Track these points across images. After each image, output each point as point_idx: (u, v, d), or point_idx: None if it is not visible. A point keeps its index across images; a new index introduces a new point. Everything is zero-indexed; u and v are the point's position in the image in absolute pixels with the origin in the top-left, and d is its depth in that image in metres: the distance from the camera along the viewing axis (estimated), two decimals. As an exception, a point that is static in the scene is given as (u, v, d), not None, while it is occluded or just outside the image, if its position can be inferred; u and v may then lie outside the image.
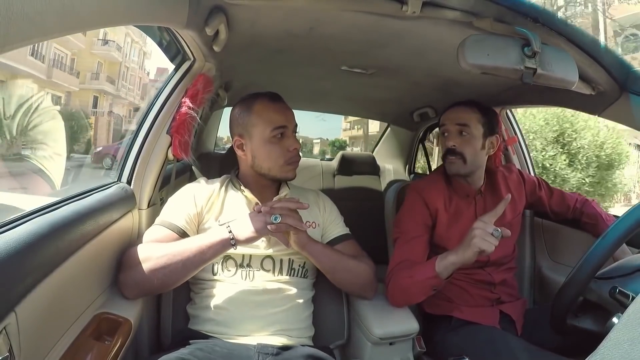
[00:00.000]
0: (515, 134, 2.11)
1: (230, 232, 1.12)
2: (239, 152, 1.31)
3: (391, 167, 3.17)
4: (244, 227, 1.12)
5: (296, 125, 1.32)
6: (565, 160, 7.00)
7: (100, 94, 23.89)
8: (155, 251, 1.13)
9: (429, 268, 1.24)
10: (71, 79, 21.50)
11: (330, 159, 3.26)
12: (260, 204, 1.18)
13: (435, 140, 3.44)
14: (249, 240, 1.12)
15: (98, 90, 23.79)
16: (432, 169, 3.21)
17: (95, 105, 23.69)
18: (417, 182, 1.61)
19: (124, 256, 1.17)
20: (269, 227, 1.11)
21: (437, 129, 3.09)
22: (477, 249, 1.12)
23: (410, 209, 1.50)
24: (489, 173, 1.58)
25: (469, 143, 1.45)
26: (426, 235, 1.46)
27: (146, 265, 1.10)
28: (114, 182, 1.29)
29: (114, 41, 24.59)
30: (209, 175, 1.47)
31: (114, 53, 24.54)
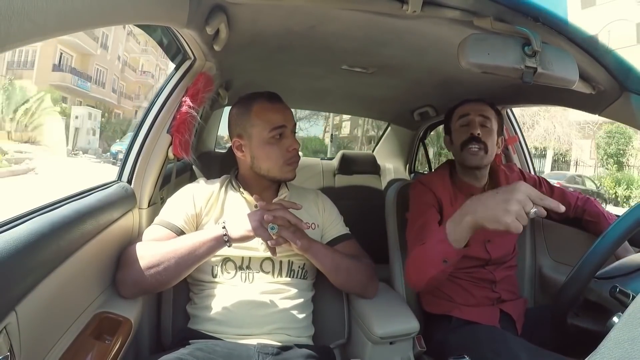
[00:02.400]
0: (516, 132, 2.11)
1: (224, 228, 1.11)
2: (238, 154, 1.30)
3: (391, 166, 3.18)
4: (239, 225, 1.11)
5: (295, 124, 1.31)
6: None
7: (138, 108, 32.39)
8: (149, 249, 1.13)
9: (439, 230, 1.15)
10: (128, 101, 32.44)
11: (331, 159, 3.27)
12: (261, 200, 1.18)
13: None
14: (242, 239, 1.11)
15: (137, 107, 32.69)
16: (432, 169, 3.24)
17: (135, 116, 31.37)
18: (423, 177, 1.61)
19: (121, 255, 1.18)
20: (269, 242, 1.10)
21: (436, 128, 3.10)
22: (504, 224, 0.96)
23: (421, 197, 1.50)
24: (491, 172, 1.58)
25: (490, 135, 1.47)
26: (439, 217, 1.44)
27: (141, 263, 1.11)
28: (114, 181, 1.29)
29: (149, 71, 34.84)
30: (210, 174, 1.46)
31: (149, 80, 34.71)
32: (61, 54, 23.99)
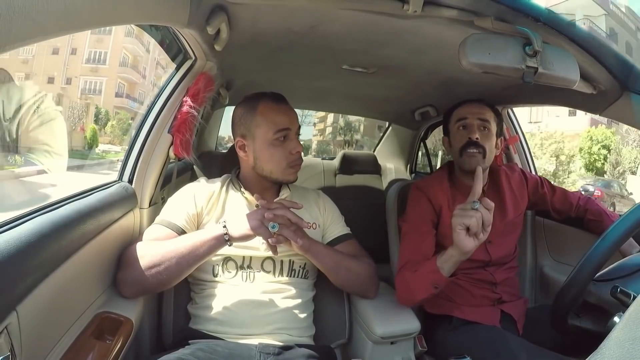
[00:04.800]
0: (517, 132, 2.10)
1: (224, 227, 1.11)
2: (240, 154, 1.30)
3: (392, 166, 3.17)
4: (239, 224, 1.11)
5: (299, 127, 1.31)
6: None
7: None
8: (150, 249, 1.13)
9: (431, 261, 1.24)
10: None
11: (332, 158, 3.27)
12: (262, 199, 1.17)
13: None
14: (243, 238, 1.11)
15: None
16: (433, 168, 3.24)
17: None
18: (421, 181, 1.60)
19: (122, 255, 1.18)
20: (269, 240, 1.10)
21: (437, 128, 3.10)
22: (461, 227, 1.10)
23: (416, 205, 1.50)
24: (491, 172, 1.58)
25: (489, 139, 1.45)
26: (434, 231, 1.46)
27: (141, 263, 1.10)
28: (115, 181, 1.29)
29: (168, 87, 42.49)
30: (211, 174, 1.46)
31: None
32: (119, 84, 33.62)
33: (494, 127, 1.47)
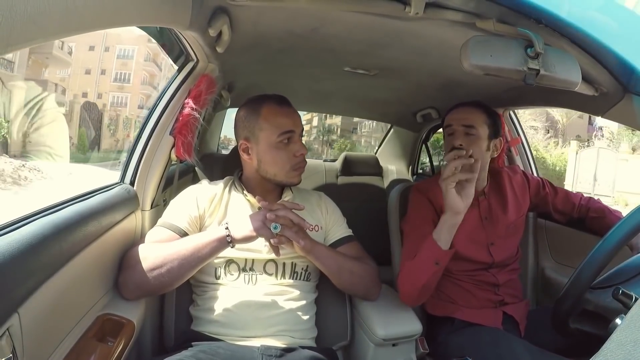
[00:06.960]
0: (518, 134, 2.10)
1: (227, 229, 1.11)
2: (244, 156, 1.30)
3: (394, 168, 3.17)
4: (242, 226, 1.11)
5: (303, 129, 1.31)
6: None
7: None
8: (152, 251, 1.13)
9: (427, 240, 1.29)
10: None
11: (334, 160, 3.26)
12: (265, 201, 1.17)
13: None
14: (245, 239, 1.11)
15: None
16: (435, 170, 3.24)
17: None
18: (421, 183, 1.61)
19: (124, 257, 1.18)
20: (271, 241, 1.10)
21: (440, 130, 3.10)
22: (451, 185, 1.27)
23: (417, 207, 1.50)
24: (493, 174, 1.58)
25: (475, 143, 1.44)
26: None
27: (143, 265, 1.10)
28: (117, 183, 1.29)
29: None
30: (213, 176, 1.47)
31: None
32: (140, 98, 37.00)
33: (482, 131, 1.45)
